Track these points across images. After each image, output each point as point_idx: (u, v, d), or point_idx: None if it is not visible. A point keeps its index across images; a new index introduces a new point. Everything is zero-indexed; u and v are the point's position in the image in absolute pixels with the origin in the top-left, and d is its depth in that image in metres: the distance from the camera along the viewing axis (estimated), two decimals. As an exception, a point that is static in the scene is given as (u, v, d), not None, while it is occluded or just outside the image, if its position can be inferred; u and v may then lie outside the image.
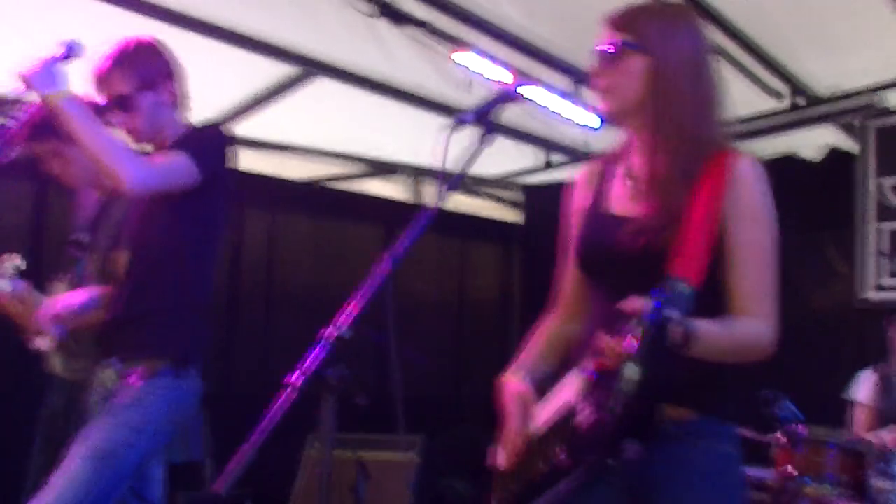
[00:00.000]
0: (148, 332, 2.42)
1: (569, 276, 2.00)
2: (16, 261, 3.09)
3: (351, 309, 1.58)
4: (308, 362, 1.53)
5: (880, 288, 5.08)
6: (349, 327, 1.55)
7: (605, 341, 1.48)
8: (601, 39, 1.81)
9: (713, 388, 1.74)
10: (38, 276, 5.06)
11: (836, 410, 4.68)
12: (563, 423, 1.64)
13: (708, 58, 1.80)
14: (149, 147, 2.61)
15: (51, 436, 3.29)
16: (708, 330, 1.56)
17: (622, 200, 1.83)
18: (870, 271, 5.12)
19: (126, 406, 2.34)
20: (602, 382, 1.52)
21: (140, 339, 2.42)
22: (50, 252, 5.04)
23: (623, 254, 1.74)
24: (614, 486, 1.72)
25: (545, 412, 1.78)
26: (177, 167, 2.37)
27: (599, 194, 1.89)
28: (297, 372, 1.53)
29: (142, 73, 2.49)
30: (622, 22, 1.79)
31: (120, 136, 2.46)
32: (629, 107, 1.79)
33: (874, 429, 4.48)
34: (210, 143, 2.49)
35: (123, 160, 2.26)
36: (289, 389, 1.52)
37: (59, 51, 2.38)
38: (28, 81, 2.29)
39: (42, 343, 3.28)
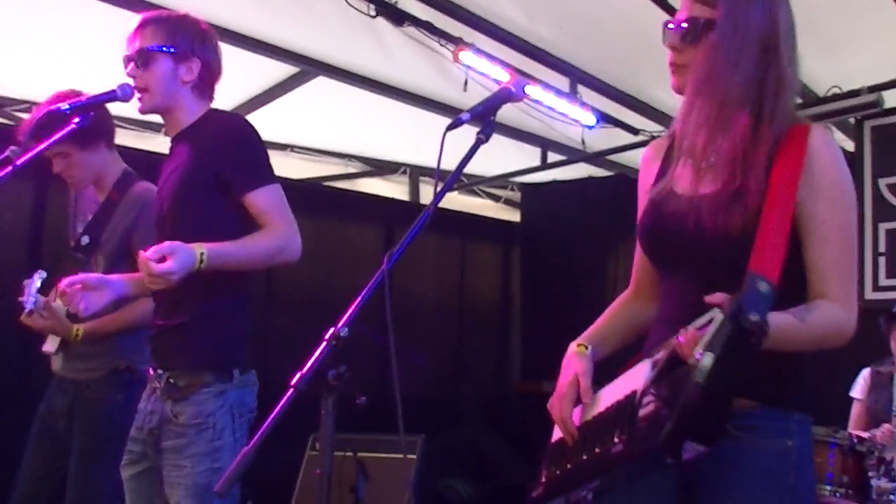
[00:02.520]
0: (187, 340, 2.39)
1: (640, 260, 1.96)
2: (43, 275, 3.18)
3: (351, 309, 1.58)
4: (308, 362, 1.53)
5: (880, 288, 5.08)
6: (349, 327, 1.55)
7: (682, 333, 1.45)
8: (682, 7, 1.78)
9: (780, 374, 1.68)
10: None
11: (836, 410, 4.68)
12: (625, 411, 1.57)
13: (783, 33, 1.73)
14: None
15: (46, 433, 3.29)
16: (786, 325, 1.51)
17: (687, 180, 1.77)
18: (870, 271, 5.12)
19: (191, 435, 2.33)
20: (672, 374, 1.47)
21: (182, 347, 2.40)
22: (50, 252, 5.04)
23: (691, 236, 1.69)
24: (664, 480, 1.69)
25: (608, 394, 1.71)
26: (283, 200, 2.44)
27: (664, 173, 1.85)
28: (298, 372, 1.53)
29: (174, 40, 2.45)
30: None
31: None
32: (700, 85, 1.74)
33: (867, 425, 4.49)
34: (261, 151, 2.48)
35: (283, 249, 2.38)
36: (289, 390, 1.52)
37: (115, 88, 2.42)
38: (176, 274, 2.23)
39: (50, 346, 3.30)
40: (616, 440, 1.56)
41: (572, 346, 1.84)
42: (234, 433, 2.36)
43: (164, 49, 2.44)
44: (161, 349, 2.47)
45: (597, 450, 1.63)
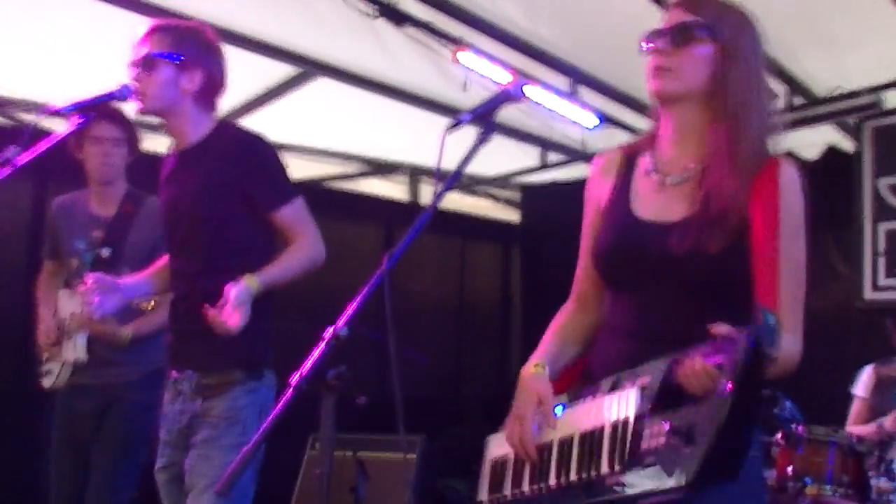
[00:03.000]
0: (218, 342, 2.42)
1: (586, 271, 1.95)
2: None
3: (351, 309, 1.58)
4: (308, 362, 1.53)
5: (880, 288, 5.08)
6: (349, 327, 1.55)
7: (697, 365, 1.44)
8: (669, 17, 1.78)
9: None
10: (37, 276, 5.08)
11: (836, 410, 4.68)
12: (615, 440, 1.55)
13: (764, 65, 1.79)
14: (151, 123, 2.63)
15: (71, 441, 3.35)
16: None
17: (651, 200, 1.78)
18: (869, 271, 5.12)
19: (222, 428, 2.41)
20: (680, 407, 1.45)
21: (212, 349, 2.44)
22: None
23: (661, 261, 1.70)
24: None
25: (574, 417, 1.70)
26: (307, 213, 2.62)
27: (622, 191, 1.84)
28: (298, 372, 1.53)
29: (179, 49, 2.49)
30: (694, 5, 1.77)
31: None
32: (689, 92, 1.75)
33: (866, 422, 4.49)
34: (281, 167, 2.64)
35: (315, 259, 2.64)
36: (289, 390, 1.52)
37: (114, 89, 2.45)
38: (242, 313, 2.36)
39: (71, 355, 3.33)
40: (608, 470, 1.54)
41: (528, 367, 1.83)
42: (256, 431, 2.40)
43: (168, 57, 2.47)
44: (189, 352, 2.51)
45: (573, 476, 1.61)
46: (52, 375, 3.37)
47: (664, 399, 1.50)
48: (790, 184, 1.71)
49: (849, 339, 5.39)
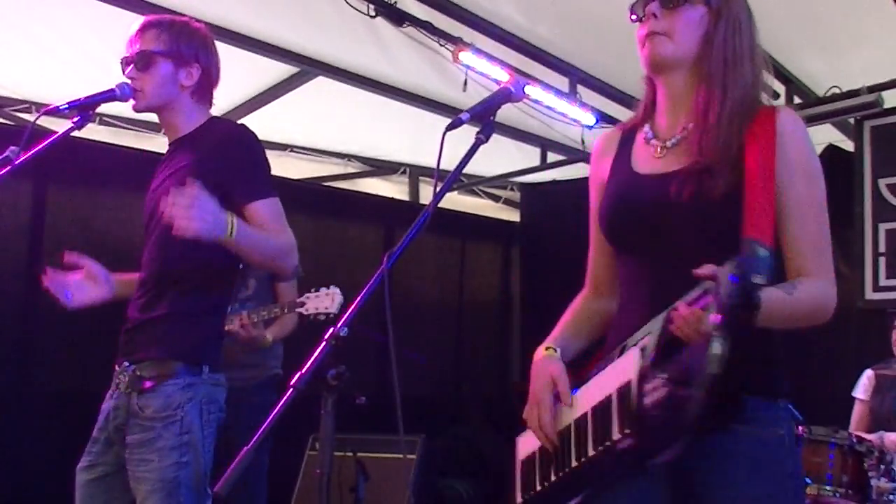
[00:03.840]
0: (157, 331, 2.38)
1: (597, 255, 1.95)
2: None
3: (351, 309, 1.58)
4: (308, 362, 1.52)
5: (880, 288, 5.08)
6: (348, 327, 1.55)
7: (683, 311, 1.42)
8: None
9: (765, 363, 1.66)
10: (38, 276, 5.07)
11: (836, 410, 4.68)
12: (621, 404, 1.53)
13: (754, 29, 1.79)
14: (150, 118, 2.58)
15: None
16: (777, 298, 1.51)
17: (650, 161, 1.77)
18: (870, 271, 5.12)
19: (158, 429, 2.29)
20: (677, 354, 1.44)
21: (152, 338, 2.38)
22: (50, 252, 5.04)
23: (665, 209, 1.68)
24: (653, 488, 1.65)
25: (586, 395, 1.68)
26: (281, 213, 2.45)
27: (621, 161, 1.84)
28: (297, 372, 1.53)
29: (176, 45, 2.46)
30: None
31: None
32: (684, 56, 1.74)
33: (868, 425, 4.49)
34: (263, 163, 2.50)
35: (283, 256, 2.41)
36: (289, 390, 1.51)
37: (114, 87, 2.41)
38: (203, 233, 2.16)
39: None
40: (619, 435, 1.53)
41: (540, 350, 1.82)
42: (202, 429, 2.32)
43: (165, 53, 2.44)
44: (132, 341, 2.43)
45: (591, 452, 1.59)
46: None
47: (664, 355, 1.49)
48: (790, 129, 1.69)
49: (849, 339, 5.39)
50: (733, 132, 1.67)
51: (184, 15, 4.20)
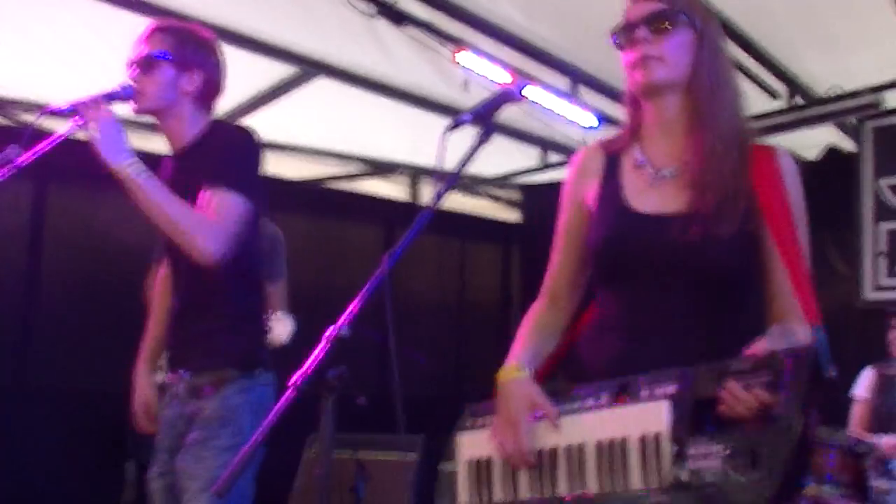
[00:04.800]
0: (211, 342, 2.42)
1: (562, 269, 1.92)
2: None
3: (351, 309, 1.57)
4: (308, 363, 1.52)
5: (881, 288, 5.08)
6: (349, 327, 1.55)
7: (740, 391, 1.41)
8: (636, 8, 1.76)
9: None
10: (38, 276, 5.08)
11: (836, 410, 4.68)
12: (647, 455, 1.49)
13: (729, 55, 1.81)
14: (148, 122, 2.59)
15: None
16: None
17: (647, 194, 1.75)
18: (870, 271, 5.12)
19: (215, 428, 2.36)
20: (744, 431, 1.40)
21: (205, 349, 2.43)
22: (50, 252, 5.05)
23: (670, 249, 1.67)
24: None
25: (581, 423, 1.62)
26: (240, 214, 2.35)
27: (611, 191, 1.81)
28: (297, 372, 1.53)
29: (180, 50, 2.47)
30: None
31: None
32: (676, 80, 1.74)
33: (870, 424, 4.49)
34: (252, 164, 2.47)
35: (199, 233, 2.28)
36: (289, 390, 1.51)
37: (116, 88, 2.41)
38: (97, 147, 2.25)
39: None
40: (642, 487, 1.48)
41: (509, 371, 1.76)
42: (253, 431, 2.35)
43: (169, 57, 2.45)
44: (183, 353, 2.49)
45: (593, 489, 1.55)
46: (161, 372, 3.48)
47: (698, 414, 1.46)
48: (790, 173, 1.71)
49: (849, 339, 5.39)
50: (730, 167, 1.67)
51: (184, 15, 4.23)
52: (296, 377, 1.52)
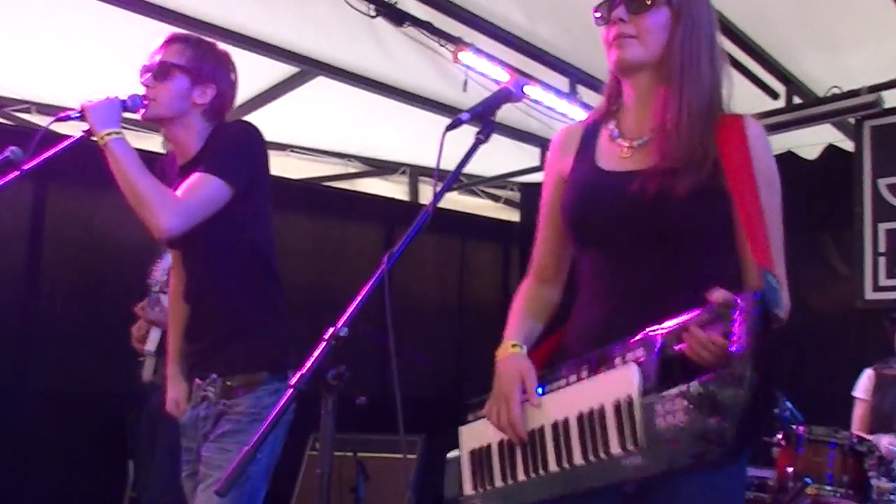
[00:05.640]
0: (242, 346, 2.44)
1: (546, 243, 1.97)
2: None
3: (351, 309, 1.57)
4: (308, 363, 1.52)
5: (881, 288, 5.08)
6: (349, 327, 1.55)
7: (700, 335, 1.43)
8: None
9: None
10: (37, 276, 5.07)
11: (836, 410, 4.68)
12: (624, 419, 1.52)
13: (717, 27, 1.82)
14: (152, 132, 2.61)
15: (152, 432, 3.48)
16: None
17: (615, 159, 1.80)
18: (870, 271, 5.12)
19: (244, 423, 2.39)
20: (696, 380, 1.42)
21: (236, 353, 2.44)
22: (50, 252, 5.05)
23: (628, 205, 1.70)
24: (609, 498, 1.66)
25: (563, 399, 1.66)
26: (210, 196, 2.36)
27: (585, 156, 1.85)
28: (297, 372, 1.53)
29: (197, 63, 2.48)
30: None
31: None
32: (651, 58, 1.76)
33: (870, 425, 4.49)
34: (240, 149, 2.47)
35: (160, 208, 2.29)
36: (289, 390, 1.51)
37: (125, 98, 2.41)
38: (86, 112, 2.32)
39: (151, 346, 3.43)
40: (620, 451, 1.51)
41: (505, 348, 1.81)
42: (276, 432, 2.38)
43: (184, 68, 2.46)
44: (213, 358, 2.49)
45: (578, 460, 1.58)
46: (146, 369, 3.51)
47: (665, 373, 1.49)
48: (757, 138, 1.73)
49: (849, 339, 5.39)
50: (694, 135, 1.69)
51: (185, 16, 4.23)
52: (296, 377, 1.52)
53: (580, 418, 1.61)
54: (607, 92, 1.89)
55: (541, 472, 1.66)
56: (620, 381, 1.55)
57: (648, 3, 1.75)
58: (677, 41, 1.75)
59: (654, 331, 1.54)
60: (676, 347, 1.49)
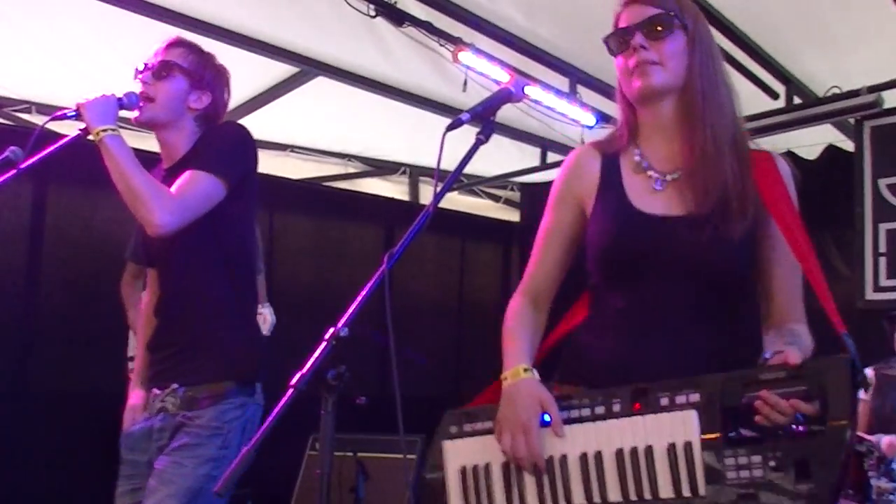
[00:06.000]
0: (208, 356, 2.38)
1: (547, 268, 1.92)
2: None
3: (351, 309, 1.57)
4: (308, 362, 1.52)
5: (881, 288, 5.08)
6: (349, 327, 1.55)
7: (773, 400, 1.40)
8: (631, 13, 1.76)
9: None
10: (38, 276, 5.07)
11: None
12: (680, 466, 1.47)
13: (716, 46, 1.81)
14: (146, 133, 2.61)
15: None
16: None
17: (653, 197, 1.75)
18: (870, 272, 5.12)
19: (204, 437, 2.31)
20: (789, 441, 1.39)
21: (202, 363, 2.38)
22: (50, 252, 5.05)
23: (682, 252, 1.68)
24: None
25: (595, 432, 1.59)
26: (205, 193, 2.34)
27: (611, 192, 1.80)
28: (298, 372, 1.53)
29: (198, 68, 2.49)
30: None
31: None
32: (675, 84, 1.74)
33: (870, 425, 4.48)
34: (234, 148, 2.45)
35: (155, 204, 2.27)
36: (289, 390, 1.51)
37: (121, 96, 2.40)
38: (82, 110, 2.31)
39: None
40: (674, 496, 1.47)
41: (517, 372, 1.73)
42: (238, 447, 2.33)
43: (186, 70, 2.47)
44: (174, 366, 2.42)
45: (614, 499, 1.52)
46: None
47: (725, 421, 1.45)
48: (788, 175, 1.73)
49: (849, 339, 5.38)
50: (728, 167, 1.68)
51: (185, 16, 4.23)
52: (296, 377, 1.52)
53: (620, 454, 1.55)
54: (624, 121, 1.86)
55: (560, 502, 1.60)
56: (677, 425, 1.49)
57: (667, 29, 1.73)
58: (696, 67, 1.73)
59: (705, 377, 1.50)
60: (744, 399, 1.45)
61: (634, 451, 1.52)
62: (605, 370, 1.70)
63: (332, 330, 1.55)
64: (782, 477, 1.37)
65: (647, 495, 1.49)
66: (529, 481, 1.64)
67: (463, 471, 1.74)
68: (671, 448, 1.48)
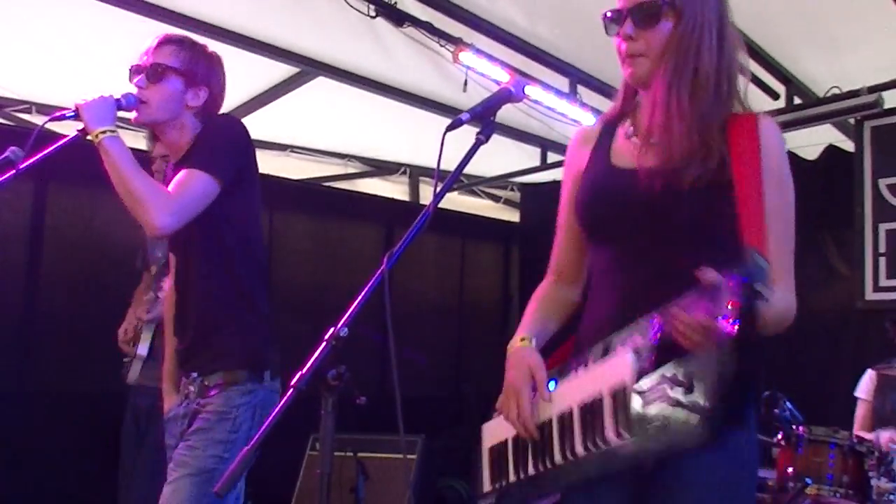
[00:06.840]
0: (221, 344, 2.46)
1: (565, 242, 1.97)
2: None
3: (351, 309, 1.58)
4: (308, 363, 1.52)
5: (881, 288, 5.08)
6: (349, 327, 1.55)
7: (685, 317, 1.42)
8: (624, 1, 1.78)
9: (743, 394, 1.59)
10: (38, 276, 5.07)
11: (836, 410, 4.69)
12: (618, 406, 1.53)
13: (730, 24, 1.83)
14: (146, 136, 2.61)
15: (136, 433, 3.54)
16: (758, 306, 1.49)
17: (629, 156, 1.80)
18: (870, 272, 5.12)
19: (213, 421, 2.41)
20: (681, 360, 1.43)
21: (215, 351, 2.46)
22: (50, 252, 5.05)
23: (636, 200, 1.71)
24: (622, 490, 1.68)
25: (570, 389, 1.68)
26: (200, 192, 2.36)
27: (600, 153, 1.86)
28: (298, 372, 1.53)
29: (189, 65, 2.49)
30: None
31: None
32: (655, 67, 1.76)
33: (871, 425, 4.49)
34: (226, 143, 2.47)
35: (153, 205, 2.29)
36: (289, 390, 1.51)
37: (119, 97, 2.41)
38: (80, 111, 2.33)
39: (144, 350, 3.46)
40: (615, 437, 1.53)
41: (515, 342, 1.83)
42: (249, 431, 2.41)
43: (179, 70, 2.47)
44: (195, 355, 2.52)
45: (579, 450, 1.59)
46: (132, 371, 3.53)
47: (660, 357, 1.49)
48: (770, 137, 1.72)
49: (849, 339, 5.39)
50: (689, 132, 1.69)
51: (185, 16, 4.23)
52: (296, 377, 1.52)
53: (582, 408, 1.62)
54: (622, 93, 1.91)
55: (548, 464, 1.67)
56: (616, 367, 1.57)
57: (654, 16, 1.75)
58: (673, 43, 1.75)
59: (652, 317, 1.54)
60: (665, 328, 1.49)
61: (592, 401, 1.60)
62: (593, 332, 1.74)
63: (331, 330, 1.55)
64: (678, 395, 1.43)
65: (600, 443, 1.56)
66: (528, 447, 1.73)
67: (491, 449, 1.86)
68: (613, 392, 1.56)
